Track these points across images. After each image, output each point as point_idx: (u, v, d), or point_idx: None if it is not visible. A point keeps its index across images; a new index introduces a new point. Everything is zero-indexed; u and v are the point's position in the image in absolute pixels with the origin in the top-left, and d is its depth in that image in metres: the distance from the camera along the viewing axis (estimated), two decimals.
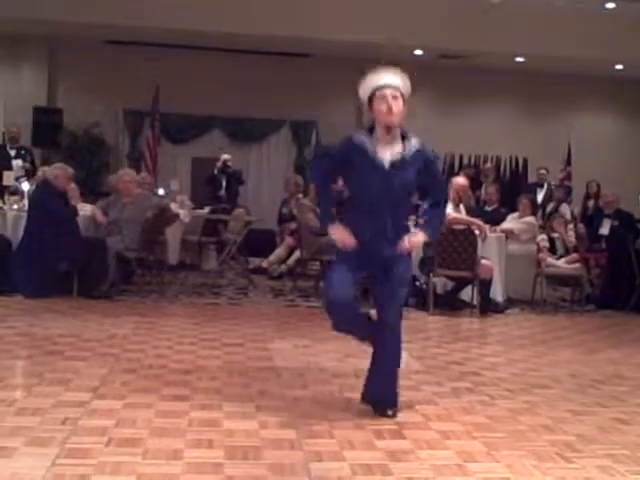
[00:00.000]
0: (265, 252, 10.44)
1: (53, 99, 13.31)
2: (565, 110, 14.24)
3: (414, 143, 3.86)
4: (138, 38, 12.61)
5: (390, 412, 3.94)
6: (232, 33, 11.77)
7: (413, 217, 8.21)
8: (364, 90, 3.86)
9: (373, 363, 4.03)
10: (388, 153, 3.82)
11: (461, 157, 13.94)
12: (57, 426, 3.53)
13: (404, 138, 3.86)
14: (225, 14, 11.36)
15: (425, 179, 3.95)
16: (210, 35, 11.98)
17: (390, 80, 3.81)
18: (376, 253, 3.86)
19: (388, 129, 3.81)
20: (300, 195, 10.11)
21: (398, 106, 3.77)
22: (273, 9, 11.35)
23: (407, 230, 3.97)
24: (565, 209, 11.16)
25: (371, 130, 3.88)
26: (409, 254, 4.04)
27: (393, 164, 3.81)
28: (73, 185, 8.09)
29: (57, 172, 7.63)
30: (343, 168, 3.95)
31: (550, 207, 11.27)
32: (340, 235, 3.89)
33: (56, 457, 3.14)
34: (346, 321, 3.91)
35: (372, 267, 3.92)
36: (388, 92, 3.76)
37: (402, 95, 3.80)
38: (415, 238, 3.95)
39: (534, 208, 9.53)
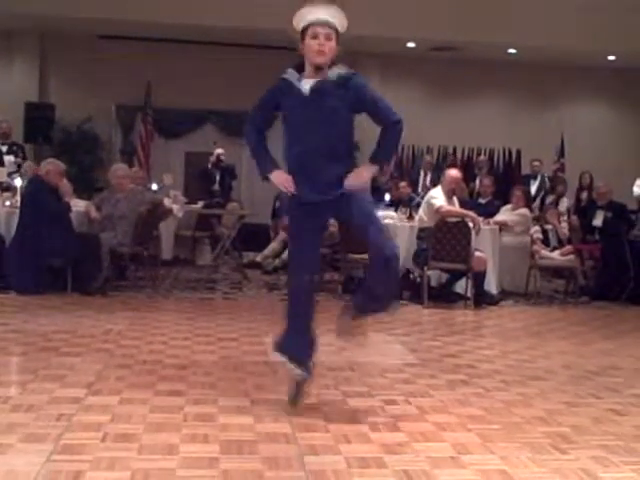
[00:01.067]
0: (259, 246, 10.44)
1: (45, 94, 13.25)
2: (558, 101, 14.26)
3: (337, 69, 3.71)
4: (130, 33, 12.56)
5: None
6: (225, 27, 11.74)
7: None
8: (297, 21, 3.73)
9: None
10: (309, 83, 3.71)
11: (454, 150, 13.94)
12: (52, 422, 3.53)
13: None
14: (219, 8, 11.32)
15: (364, 107, 3.75)
16: (203, 29, 11.94)
17: (325, 17, 3.67)
18: (322, 196, 3.70)
19: (317, 68, 3.70)
20: None
21: (330, 47, 3.66)
22: (266, 2, 11.31)
23: (349, 170, 3.73)
24: (564, 202, 11.18)
25: (301, 67, 3.77)
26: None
27: (312, 89, 3.68)
28: (65, 181, 8.07)
29: (48, 167, 7.60)
30: (276, 107, 3.84)
31: (550, 200, 11.28)
32: (281, 180, 3.79)
33: (51, 453, 3.14)
34: (305, 309, 3.83)
35: (327, 214, 3.81)
36: (322, 31, 3.65)
37: (336, 33, 3.69)
38: (359, 172, 3.71)
39: (527, 200, 9.55)
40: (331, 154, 3.73)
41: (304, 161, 3.77)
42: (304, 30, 3.70)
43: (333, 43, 3.68)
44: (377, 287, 3.74)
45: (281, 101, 3.80)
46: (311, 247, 3.86)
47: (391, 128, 3.76)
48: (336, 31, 3.70)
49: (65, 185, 8.07)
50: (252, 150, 3.95)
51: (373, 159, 3.78)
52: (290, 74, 3.78)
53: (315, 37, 3.66)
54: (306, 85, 3.72)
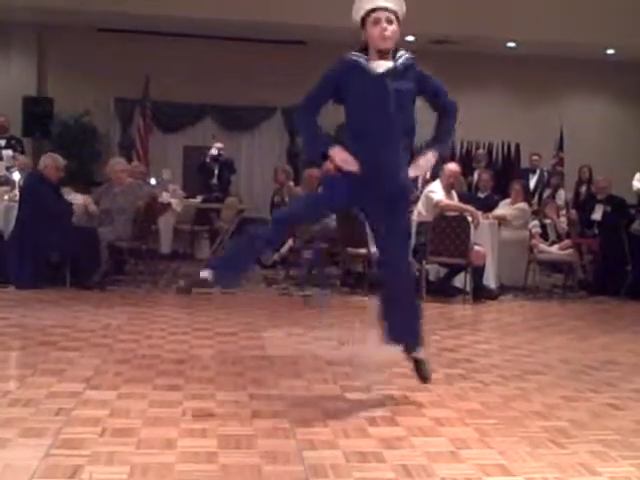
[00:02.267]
0: None
1: (43, 88, 13.23)
2: (557, 95, 14.24)
3: (404, 53, 3.74)
4: (128, 26, 12.53)
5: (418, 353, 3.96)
6: (224, 20, 11.71)
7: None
8: (357, 10, 3.73)
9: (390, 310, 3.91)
10: (381, 66, 3.69)
11: (453, 143, 13.90)
12: (51, 417, 3.53)
13: (395, 54, 3.73)
14: (218, 1, 11.30)
15: (427, 89, 3.82)
16: (202, 22, 11.92)
17: (385, 2, 3.67)
18: (379, 183, 3.66)
19: (381, 53, 3.69)
20: (291, 183, 10.11)
21: (393, 30, 3.65)
22: None
23: (409, 158, 3.77)
24: (561, 195, 11.20)
25: (364, 50, 3.75)
26: (414, 186, 3.93)
27: (386, 72, 3.66)
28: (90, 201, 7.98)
29: (47, 162, 7.59)
30: (336, 89, 3.77)
31: (547, 193, 11.30)
32: (343, 157, 3.67)
33: (50, 448, 3.14)
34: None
35: (372, 203, 3.75)
36: (382, 16, 3.64)
37: (397, 17, 3.68)
38: (424, 160, 3.78)
39: (526, 194, 9.55)
40: (399, 138, 3.70)
41: (372, 144, 3.66)
42: (364, 19, 3.69)
43: (395, 26, 3.67)
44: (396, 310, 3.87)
45: (348, 81, 3.70)
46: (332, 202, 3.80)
47: (450, 111, 3.91)
48: (396, 15, 3.68)
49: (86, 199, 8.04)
50: (305, 128, 3.86)
51: (434, 146, 3.84)
52: (357, 56, 3.72)
53: (377, 23, 3.64)
54: (378, 68, 3.67)
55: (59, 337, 5.21)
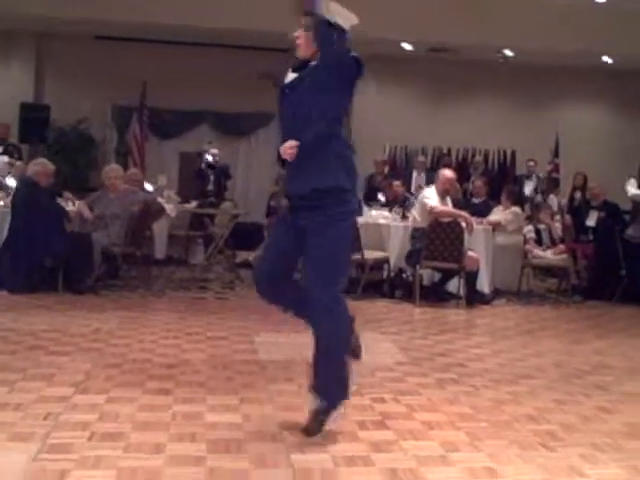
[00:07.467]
0: (252, 246, 10.42)
1: (40, 95, 13.25)
2: (553, 102, 14.25)
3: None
4: (126, 33, 12.56)
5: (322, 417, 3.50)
6: (220, 28, 11.73)
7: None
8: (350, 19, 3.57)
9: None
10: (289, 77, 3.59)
11: (449, 150, 13.94)
12: (39, 421, 3.52)
13: None
14: (214, 9, 11.31)
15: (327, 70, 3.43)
16: (199, 30, 11.93)
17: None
18: (295, 197, 3.53)
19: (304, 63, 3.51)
20: None
21: (300, 40, 3.46)
22: (262, 4, 11.30)
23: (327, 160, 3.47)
24: (552, 200, 11.22)
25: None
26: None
27: (287, 85, 3.56)
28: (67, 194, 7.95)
29: (36, 168, 7.58)
30: None
31: (538, 199, 11.32)
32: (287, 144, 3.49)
33: (38, 452, 3.13)
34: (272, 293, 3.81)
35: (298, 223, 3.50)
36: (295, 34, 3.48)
37: (305, 28, 3.43)
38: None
39: (515, 198, 9.55)
40: (307, 146, 3.48)
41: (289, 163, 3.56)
42: None
43: (302, 40, 3.49)
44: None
45: None
46: (278, 245, 3.66)
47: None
48: (305, 27, 3.48)
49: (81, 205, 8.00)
50: None
51: None
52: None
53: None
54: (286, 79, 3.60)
55: (50, 341, 5.19)
